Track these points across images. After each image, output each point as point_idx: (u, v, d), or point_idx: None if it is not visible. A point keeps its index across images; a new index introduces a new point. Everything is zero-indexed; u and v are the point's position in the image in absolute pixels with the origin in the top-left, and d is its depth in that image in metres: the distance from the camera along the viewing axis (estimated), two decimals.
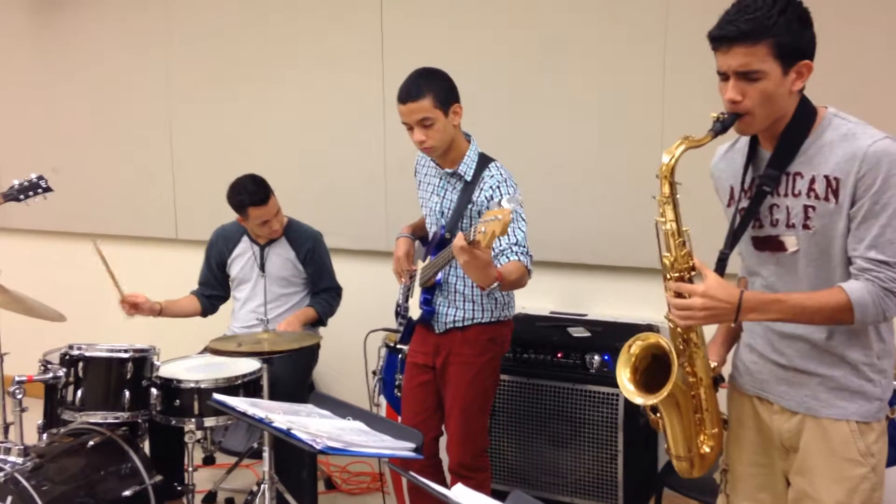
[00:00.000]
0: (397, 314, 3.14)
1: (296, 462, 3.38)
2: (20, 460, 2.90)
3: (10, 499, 2.81)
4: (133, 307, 3.48)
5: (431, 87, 2.71)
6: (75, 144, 4.88)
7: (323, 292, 3.77)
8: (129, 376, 3.16)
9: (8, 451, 2.93)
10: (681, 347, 1.98)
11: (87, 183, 4.82)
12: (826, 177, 1.84)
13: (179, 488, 3.25)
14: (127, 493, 3.07)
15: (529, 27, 3.75)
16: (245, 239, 3.75)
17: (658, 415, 2.03)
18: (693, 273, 1.92)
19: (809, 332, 1.92)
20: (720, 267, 1.96)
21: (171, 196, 4.69)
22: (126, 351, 3.18)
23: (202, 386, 3.15)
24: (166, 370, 3.27)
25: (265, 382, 3.16)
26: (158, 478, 3.17)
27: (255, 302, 3.73)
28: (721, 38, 1.82)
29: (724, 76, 1.85)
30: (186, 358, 3.48)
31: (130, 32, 4.65)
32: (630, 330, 2.95)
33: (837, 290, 1.82)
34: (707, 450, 2.03)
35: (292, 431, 1.81)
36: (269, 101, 4.37)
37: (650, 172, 3.46)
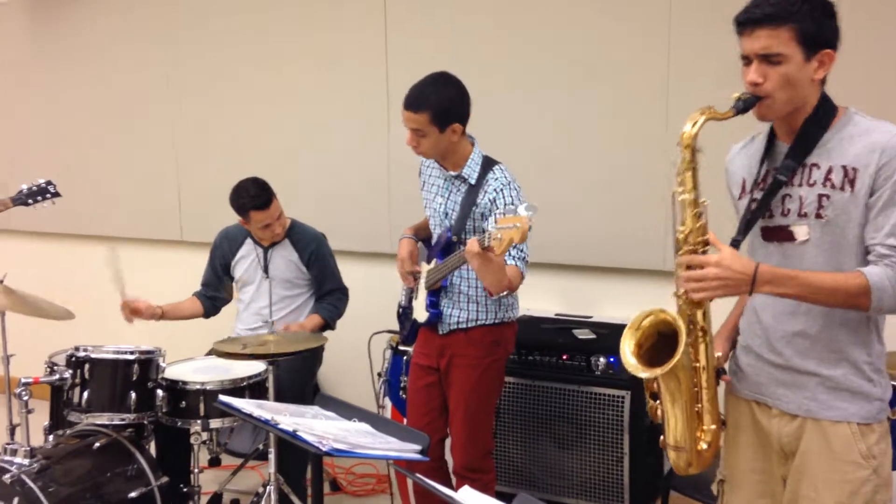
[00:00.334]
0: (399, 316, 3.14)
1: (301, 464, 3.38)
2: (26, 461, 2.91)
3: (16, 500, 2.82)
4: (133, 312, 3.49)
5: (433, 103, 2.70)
6: (81, 147, 4.89)
7: (328, 294, 3.77)
8: (135, 378, 3.17)
9: (14, 452, 2.94)
10: (688, 329, 1.94)
11: (92, 185, 4.83)
12: (843, 167, 1.86)
13: (185, 489, 3.26)
14: (133, 494, 3.08)
15: (533, 28, 3.75)
16: (249, 241, 3.76)
17: (658, 402, 2.01)
18: (707, 248, 1.90)
19: (809, 325, 1.91)
20: None
21: (176, 198, 4.70)
22: (132, 353, 3.19)
23: (208, 387, 3.16)
24: (172, 372, 3.28)
25: (271, 384, 3.16)
26: (164, 479, 3.18)
27: (259, 304, 3.73)
28: (746, 20, 1.86)
29: (746, 60, 1.88)
30: (192, 360, 3.49)
31: (135, 35, 4.66)
32: None
33: (856, 273, 1.82)
34: (704, 446, 1.99)
35: (298, 433, 1.82)
36: (274, 103, 4.38)
37: (655, 174, 3.50)
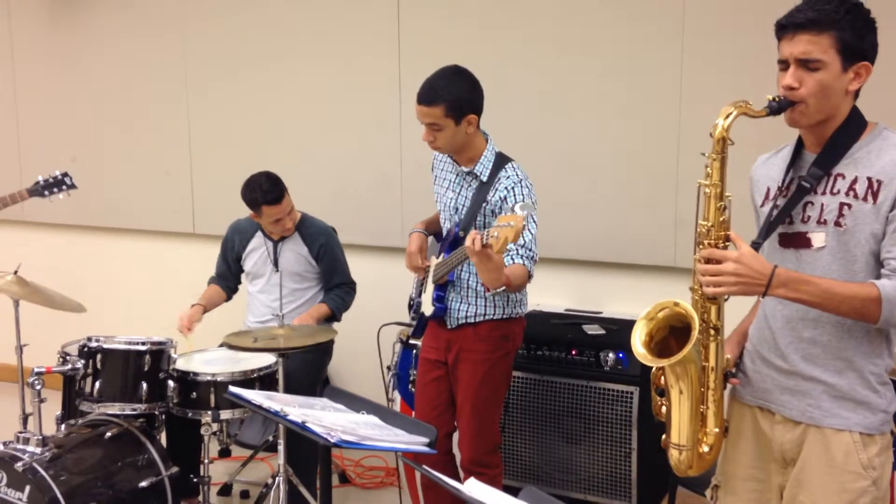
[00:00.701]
0: (410, 308, 3.15)
1: (310, 456, 3.40)
2: (38, 450, 2.94)
3: (28, 488, 2.85)
4: (189, 329, 3.59)
5: (448, 95, 2.71)
6: (94, 140, 4.91)
7: (336, 287, 3.79)
8: (146, 368, 3.20)
9: (27, 441, 2.97)
10: (701, 326, 1.94)
11: (105, 178, 4.85)
12: (869, 178, 1.85)
13: (195, 480, 3.28)
14: (143, 483, 3.11)
15: (547, 26, 3.75)
16: (259, 234, 3.78)
17: (663, 399, 2.00)
18: (727, 243, 1.90)
19: (819, 332, 1.90)
20: None
21: (188, 191, 4.72)
22: (144, 343, 3.22)
23: (218, 379, 3.18)
24: (183, 363, 3.30)
25: (280, 376, 3.18)
26: (175, 469, 3.21)
27: (269, 296, 3.75)
28: (788, 24, 1.86)
29: (784, 64, 1.88)
30: (203, 351, 3.51)
31: (151, 30, 4.67)
32: None
33: (870, 284, 1.82)
34: (706, 449, 1.99)
35: (307, 424, 1.83)
36: (287, 97, 4.39)
37: (666, 171, 3.49)
